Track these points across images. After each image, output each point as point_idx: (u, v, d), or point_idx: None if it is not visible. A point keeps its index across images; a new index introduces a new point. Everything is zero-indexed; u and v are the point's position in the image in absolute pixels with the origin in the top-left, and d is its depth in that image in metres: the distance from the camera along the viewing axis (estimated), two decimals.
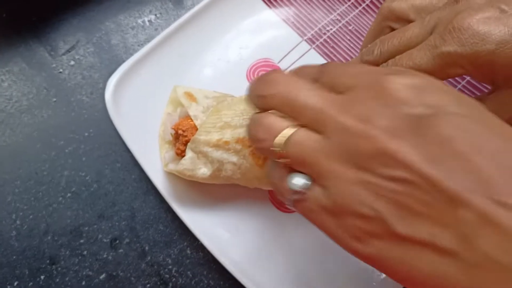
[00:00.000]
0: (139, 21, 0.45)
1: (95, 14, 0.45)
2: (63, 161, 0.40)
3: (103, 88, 0.39)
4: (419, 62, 0.27)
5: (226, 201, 0.37)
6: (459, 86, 0.40)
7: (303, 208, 0.23)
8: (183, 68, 0.41)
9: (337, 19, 0.43)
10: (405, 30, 0.29)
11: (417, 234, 0.18)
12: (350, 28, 0.43)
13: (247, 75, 0.41)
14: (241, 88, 0.40)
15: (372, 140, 0.19)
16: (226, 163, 0.32)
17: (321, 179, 0.21)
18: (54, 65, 0.43)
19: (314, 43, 0.43)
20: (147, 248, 0.37)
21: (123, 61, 0.39)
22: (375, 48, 0.30)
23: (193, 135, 0.33)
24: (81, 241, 0.37)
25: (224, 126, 0.33)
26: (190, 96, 0.35)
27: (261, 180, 0.33)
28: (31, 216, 0.38)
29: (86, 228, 0.38)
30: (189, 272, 0.37)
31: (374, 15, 0.43)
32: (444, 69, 0.26)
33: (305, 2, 0.44)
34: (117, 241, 0.38)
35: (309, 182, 0.22)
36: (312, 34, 0.43)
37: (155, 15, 0.45)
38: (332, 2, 0.44)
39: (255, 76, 0.41)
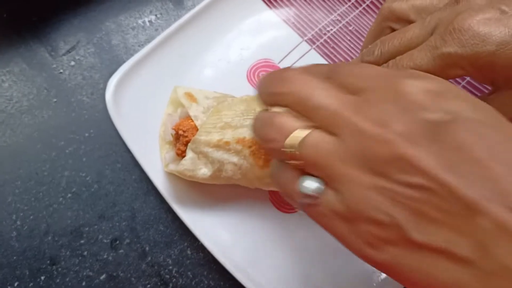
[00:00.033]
0: (140, 21, 0.45)
1: (96, 14, 0.45)
2: (64, 162, 0.40)
3: (104, 89, 0.39)
4: (420, 63, 0.27)
5: (226, 201, 0.37)
6: (459, 86, 0.40)
7: (314, 212, 0.22)
8: (184, 68, 0.41)
9: (338, 19, 0.43)
10: (405, 31, 0.29)
11: (433, 241, 0.18)
12: (350, 28, 0.43)
13: (247, 76, 0.41)
14: (241, 88, 0.40)
15: (389, 144, 0.19)
16: (226, 163, 0.32)
17: (335, 182, 0.21)
18: (54, 66, 0.43)
19: (314, 43, 0.43)
20: (147, 248, 0.37)
21: (124, 62, 0.39)
22: (375, 49, 0.30)
23: (193, 136, 0.33)
24: (82, 241, 0.37)
25: (224, 127, 0.33)
26: (190, 96, 0.35)
27: (262, 181, 0.33)
28: (31, 217, 0.38)
29: (87, 229, 0.38)
30: (189, 273, 0.37)
31: (374, 15, 0.43)
32: (444, 70, 0.26)
33: (305, 3, 0.44)
34: (118, 242, 0.38)
35: (322, 186, 0.21)
36: (312, 35, 0.43)
37: (156, 15, 0.45)
38: (333, 2, 0.44)
39: (256, 76, 0.41)
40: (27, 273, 0.37)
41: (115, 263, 0.37)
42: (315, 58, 0.42)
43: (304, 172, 0.23)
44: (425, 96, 0.20)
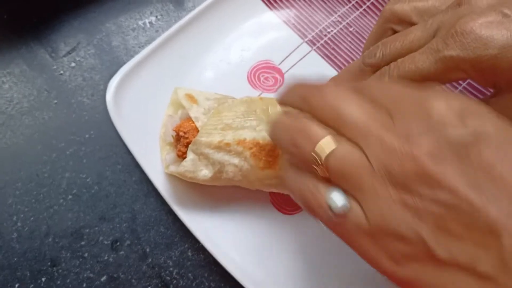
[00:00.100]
0: (140, 22, 0.45)
1: (96, 15, 0.45)
2: (64, 163, 0.40)
3: (104, 90, 0.39)
4: (422, 66, 0.27)
5: (227, 203, 0.37)
6: (460, 87, 0.40)
7: (338, 227, 0.23)
8: (184, 69, 0.41)
9: (338, 20, 0.43)
10: (407, 33, 0.29)
11: (457, 257, 0.19)
12: (350, 29, 0.43)
13: (247, 77, 0.41)
14: (242, 89, 0.40)
15: (416, 161, 0.19)
16: (227, 165, 0.32)
17: (361, 195, 0.21)
18: (55, 67, 0.43)
19: (315, 44, 0.43)
20: (148, 250, 0.37)
21: (124, 63, 0.39)
22: (377, 51, 0.30)
23: (194, 137, 0.33)
24: (82, 243, 0.37)
25: (225, 128, 0.33)
26: (191, 97, 0.35)
27: (263, 182, 0.33)
28: (32, 218, 0.38)
29: (87, 230, 0.38)
30: (190, 274, 0.37)
31: (374, 16, 0.43)
32: (446, 73, 0.26)
33: (306, 4, 0.44)
34: (118, 243, 0.38)
35: (348, 204, 0.22)
36: (313, 36, 0.43)
37: (156, 16, 0.45)
38: (333, 4, 0.44)
39: (256, 77, 0.41)
40: (28, 274, 0.36)
41: (116, 265, 0.37)
42: (316, 59, 0.42)
43: (328, 182, 0.23)
44: (450, 115, 0.20)
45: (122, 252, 0.37)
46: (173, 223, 0.38)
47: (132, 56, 0.40)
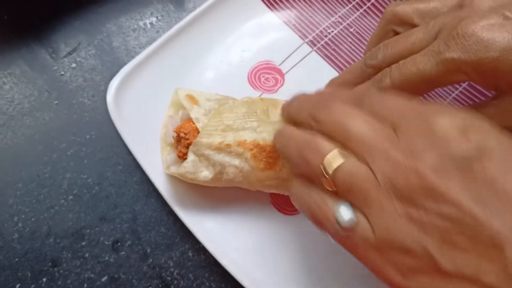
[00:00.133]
0: (141, 23, 0.45)
1: (97, 16, 0.45)
2: (65, 164, 0.40)
3: (105, 91, 0.39)
4: (423, 68, 0.27)
5: (227, 203, 0.37)
6: (460, 88, 0.40)
7: (346, 240, 0.23)
8: (185, 70, 0.41)
9: (338, 21, 0.43)
10: (409, 35, 0.29)
11: (462, 269, 0.19)
12: (351, 30, 0.43)
13: (248, 78, 0.41)
14: (242, 90, 0.40)
15: (421, 176, 0.20)
16: (228, 166, 0.32)
17: (367, 209, 0.22)
18: (55, 68, 0.43)
19: (315, 45, 0.43)
20: (148, 250, 0.37)
21: (125, 64, 0.40)
22: (378, 53, 0.30)
23: (195, 138, 0.33)
24: (83, 243, 0.38)
25: (226, 129, 0.33)
26: (192, 98, 0.35)
27: (263, 183, 0.33)
28: (33, 219, 0.38)
29: (88, 231, 0.38)
30: (190, 275, 0.37)
31: (375, 17, 0.43)
32: (447, 75, 0.27)
33: (306, 5, 0.44)
34: (119, 244, 0.38)
35: (356, 218, 0.22)
36: (313, 37, 0.43)
37: (157, 17, 0.45)
38: (333, 4, 0.44)
39: (257, 78, 0.41)
40: (29, 275, 0.37)
41: (117, 265, 0.37)
42: (316, 60, 0.42)
43: (335, 196, 0.24)
44: (453, 130, 0.21)
45: (123, 253, 0.37)
46: (173, 223, 0.38)
47: (132, 57, 0.40)
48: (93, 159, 0.40)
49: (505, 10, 0.25)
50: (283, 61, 0.42)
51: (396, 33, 0.33)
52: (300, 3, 0.44)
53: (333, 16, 0.44)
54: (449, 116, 0.21)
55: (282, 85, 0.41)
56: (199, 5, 0.43)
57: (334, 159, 0.23)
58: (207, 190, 0.36)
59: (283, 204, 0.37)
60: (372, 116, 0.24)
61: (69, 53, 0.44)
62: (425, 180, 0.20)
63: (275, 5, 0.44)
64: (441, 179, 0.20)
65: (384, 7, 0.43)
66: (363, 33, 0.43)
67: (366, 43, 0.42)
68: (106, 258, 0.37)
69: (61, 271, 0.37)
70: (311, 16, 0.44)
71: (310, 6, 0.44)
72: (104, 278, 0.37)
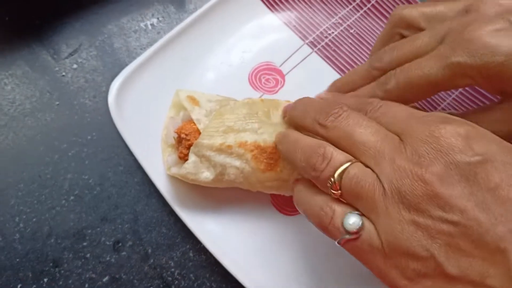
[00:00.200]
0: (142, 24, 0.45)
1: (98, 17, 0.45)
2: (66, 164, 0.40)
3: (106, 92, 0.39)
4: (428, 72, 0.27)
5: (228, 204, 0.37)
6: (456, 93, 0.41)
7: (352, 246, 0.24)
8: (186, 71, 0.41)
9: (339, 22, 0.44)
10: (415, 39, 0.30)
11: (467, 273, 0.20)
12: (351, 31, 0.43)
13: (249, 79, 0.42)
14: (243, 91, 0.41)
15: (426, 183, 0.21)
16: (229, 167, 0.32)
17: (374, 215, 0.22)
18: (57, 69, 0.43)
19: (315, 46, 0.43)
20: (150, 251, 0.37)
21: (126, 65, 0.40)
22: (384, 55, 0.31)
23: (196, 139, 0.33)
24: (84, 244, 0.38)
25: (227, 130, 0.33)
26: (193, 99, 0.35)
27: (264, 184, 0.33)
28: (34, 219, 0.38)
29: (89, 231, 0.38)
30: (191, 275, 0.37)
31: (375, 18, 0.43)
32: (453, 79, 0.27)
33: (306, 6, 0.44)
34: (120, 244, 0.38)
35: (362, 224, 0.23)
36: (313, 38, 0.43)
37: (158, 18, 0.45)
38: (334, 6, 0.44)
39: (257, 79, 0.41)
40: (30, 275, 0.37)
41: (118, 265, 0.37)
42: (317, 61, 0.42)
43: (341, 201, 0.24)
44: (456, 139, 0.21)
45: (124, 253, 0.37)
46: (174, 224, 0.38)
47: (134, 58, 0.41)
48: (95, 160, 0.40)
49: (511, 16, 0.26)
50: (284, 62, 0.42)
51: (403, 37, 0.33)
52: (300, 4, 0.44)
53: (333, 17, 0.44)
54: (453, 126, 0.22)
55: (282, 86, 0.41)
56: (200, 6, 0.43)
57: (341, 165, 0.24)
58: (208, 191, 0.36)
59: (283, 205, 0.37)
60: (378, 125, 0.24)
61: (71, 54, 0.44)
62: (431, 188, 0.20)
63: (276, 6, 0.44)
64: (446, 186, 0.20)
65: (384, 9, 0.43)
66: (364, 35, 0.43)
67: (366, 45, 0.42)
68: (107, 259, 0.37)
69: (62, 271, 0.37)
70: (311, 17, 0.44)
71: (311, 7, 0.44)
72: (105, 279, 0.37)
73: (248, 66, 0.42)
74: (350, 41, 0.43)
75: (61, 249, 0.37)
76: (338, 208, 0.24)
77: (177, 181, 0.36)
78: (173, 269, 0.37)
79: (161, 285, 0.37)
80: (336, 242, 0.24)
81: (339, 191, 0.24)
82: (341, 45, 0.43)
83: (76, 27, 0.45)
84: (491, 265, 0.19)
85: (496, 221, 0.19)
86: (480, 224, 0.19)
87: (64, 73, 0.43)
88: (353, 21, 0.44)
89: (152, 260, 0.37)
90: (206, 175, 0.33)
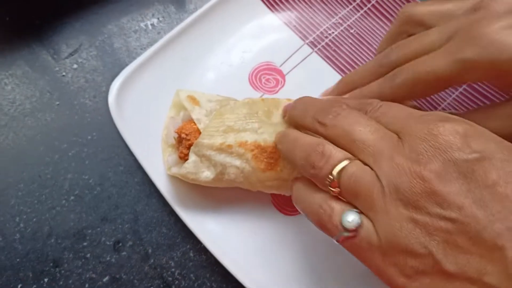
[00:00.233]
0: (142, 24, 0.45)
1: (98, 17, 0.45)
2: (67, 164, 0.40)
3: (106, 92, 0.39)
4: (437, 67, 0.27)
5: (229, 204, 0.37)
6: (456, 92, 0.41)
7: (350, 244, 0.24)
8: (186, 71, 0.41)
9: (339, 22, 0.44)
10: (423, 36, 0.30)
11: (465, 270, 0.20)
12: (351, 31, 0.43)
13: (249, 79, 0.42)
14: (243, 91, 0.41)
15: (425, 181, 0.21)
16: (229, 166, 0.33)
17: (372, 213, 0.22)
18: (57, 69, 0.43)
19: (316, 46, 0.43)
20: (150, 251, 0.37)
21: (126, 65, 0.40)
22: (392, 52, 0.31)
23: (196, 139, 0.33)
24: (84, 244, 0.38)
25: (227, 130, 0.33)
26: (193, 99, 0.35)
27: (264, 184, 0.34)
28: (34, 219, 0.38)
29: (89, 231, 0.38)
30: (192, 275, 0.37)
31: (375, 18, 0.43)
32: (461, 75, 0.27)
33: (307, 6, 0.44)
34: (120, 244, 0.38)
35: (360, 222, 0.23)
36: (314, 38, 0.43)
37: (158, 18, 0.45)
38: (334, 6, 0.44)
39: (257, 79, 0.41)
40: (30, 275, 0.37)
41: (118, 265, 0.37)
42: (317, 61, 0.42)
43: (340, 199, 0.24)
44: (454, 137, 0.21)
45: (124, 253, 0.37)
46: (175, 224, 0.38)
47: (134, 58, 0.41)
48: (95, 160, 0.40)
49: None
50: (284, 62, 0.42)
51: (410, 34, 0.33)
52: (300, 4, 0.44)
53: (333, 17, 0.44)
54: (452, 124, 0.22)
55: (283, 86, 0.41)
56: (200, 6, 0.43)
57: (339, 163, 0.24)
58: (208, 191, 0.36)
59: (283, 205, 0.37)
60: (377, 124, 0.24)
61: (71, 54, 0.44)
62: (429, 185, 0.21)
63: (276, 6, 0.44)
64: (444, 184, 0.20)
65: (384, 9, 0.43)
66: (364, 35, 0.43)
67: (367, 45, 0.42)
68: (108, 259, 0.37)
69: (63, 271, 0.37)
70: (311, 17, 0.44)
71: (311, 7, 0.44)
72: (106, 279, 0.37)
73: (248, 66, 0.42)
74: (350, 41, 0.43)
75: (62, 249, 0.37)
76: (337, 206, 0.24)
77: (178, 181, 0.36)
78: (173, 269, 0.37)
79: (162, 285, 0.37)
80: (334, 240, 0.24)
81: (338, 189, 0.24)
82: (341, 45, 0.43)
83: (76, 27, 0.45)
84: (488, 262, 0.19)
85: (494, 218, 0.19)
86: (478, 221, 0.19)
87: (64, 73, 0.43)
88: (353, 21, 0.44)
89: (152, 260, 0.37)
90: (207, 174, 0.33)
